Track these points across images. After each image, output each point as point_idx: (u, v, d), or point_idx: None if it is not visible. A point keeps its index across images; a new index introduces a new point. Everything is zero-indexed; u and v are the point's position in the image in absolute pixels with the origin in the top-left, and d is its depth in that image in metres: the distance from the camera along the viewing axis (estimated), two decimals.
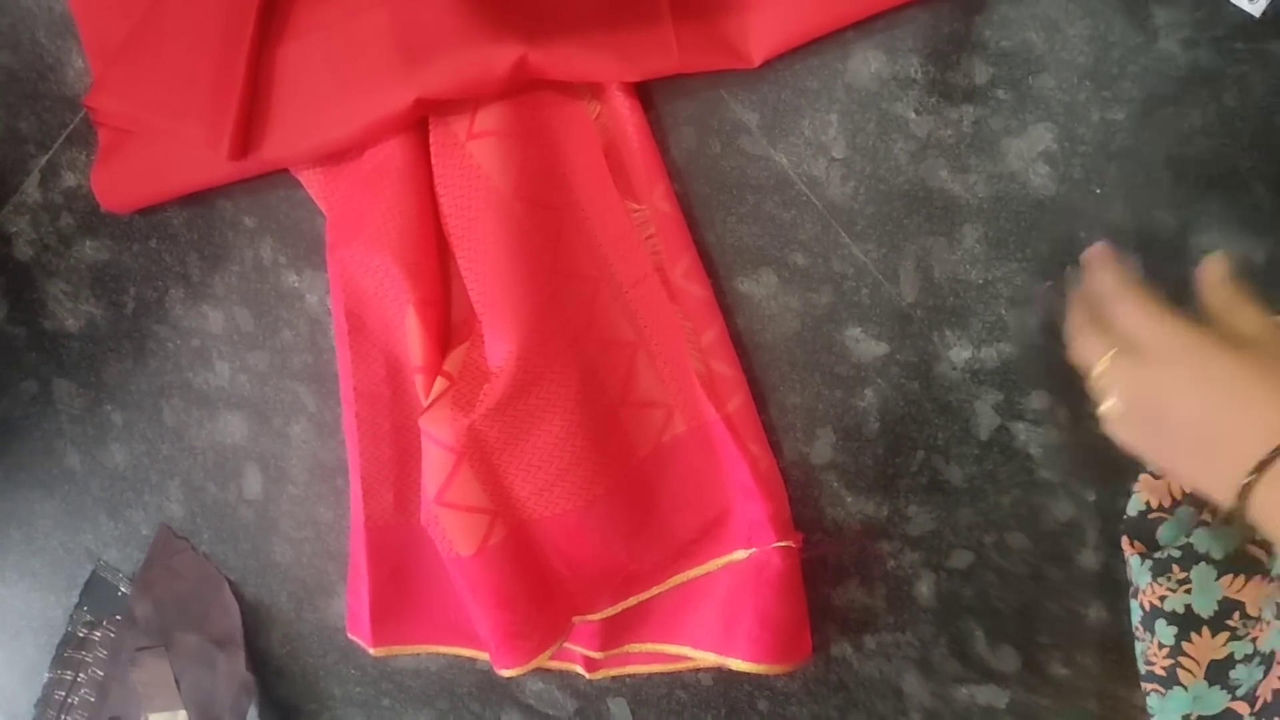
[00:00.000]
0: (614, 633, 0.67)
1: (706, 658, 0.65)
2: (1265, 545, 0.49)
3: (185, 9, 0.62)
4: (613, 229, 0.59)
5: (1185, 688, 0.51)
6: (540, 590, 0.63)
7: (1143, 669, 0.54)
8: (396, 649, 0.71)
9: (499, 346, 0.58)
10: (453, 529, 0.60)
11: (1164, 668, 0.53)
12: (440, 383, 0.60)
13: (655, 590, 0.65)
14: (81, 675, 0.85)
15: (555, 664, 0.69)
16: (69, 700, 0.85)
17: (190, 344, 0.74)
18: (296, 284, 0.70)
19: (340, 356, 0.65)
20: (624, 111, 0.57)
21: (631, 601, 0.65)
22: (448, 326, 0.63)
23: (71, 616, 0.85)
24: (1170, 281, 0.53)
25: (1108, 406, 0.43)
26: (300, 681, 0.80)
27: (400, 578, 0.69)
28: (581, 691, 0.73)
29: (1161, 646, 0.53)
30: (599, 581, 0.64)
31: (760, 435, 0.61)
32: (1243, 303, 0.43)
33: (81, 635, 0.85)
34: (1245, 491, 0.39)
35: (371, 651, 0.70)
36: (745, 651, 0.62)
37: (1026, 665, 0.60)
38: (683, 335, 0.59)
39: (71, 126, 0.71)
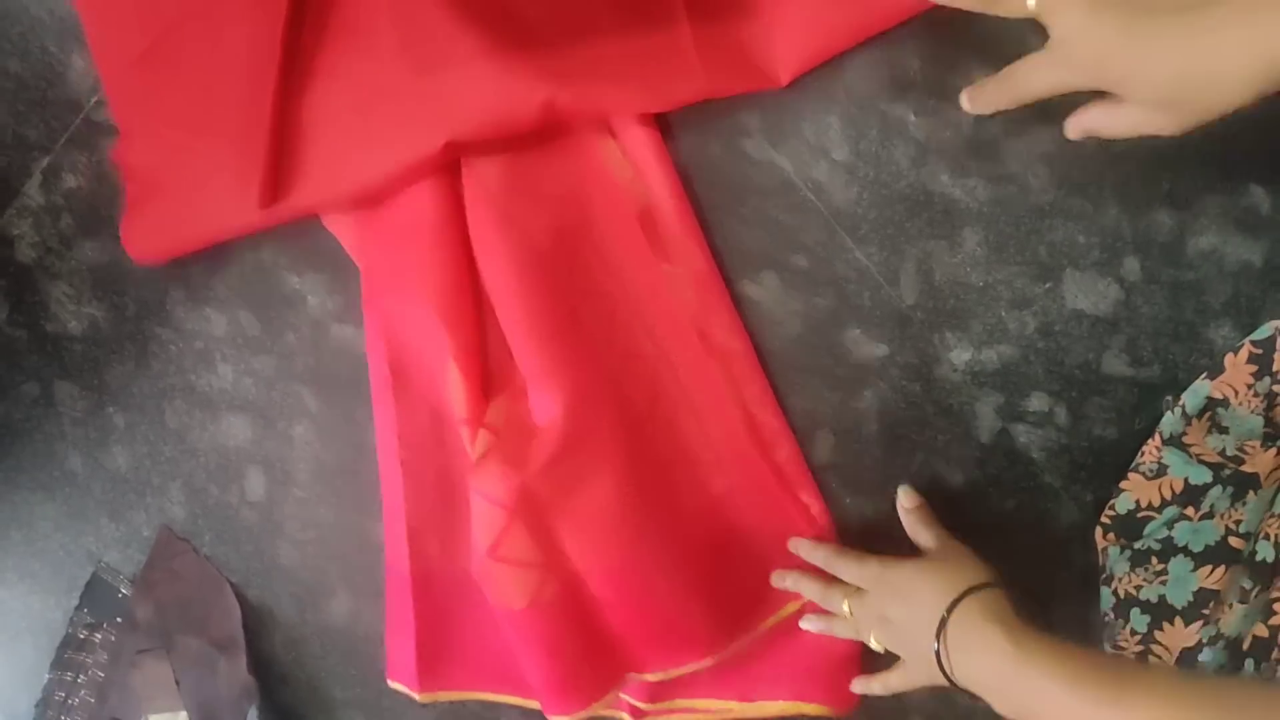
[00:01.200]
0: (664, 688, 0.66)
1: (757, 708, 0.65)
2: (1245, 537, 0.50)
3: (206, 58, 0.61)
4: (646, 289, 0.59)
5: None
6: (593, 644, 0.63)
7: (1109, 651, 0.55)
8: (443, 695, 0.70)
9: (545, 403, 0.58)
10: (505, 583, 0.60)
11: (1134, 653, 0.54)
12: (484, 436, 0.60)
13: (708, 662, 0.63)
14: (81, 677, 0.85)
15: (601, 711, 0.68)
16: (69, 702, 0.85)
17: (193, 346, 0.74)
18: (298, 286, 0.70)
19: (380, 406, 0.66)
20: (658, 176, 0.58)
21: (687, 669, 0.64)
22: (487, 376, 0.62)
23: (72, 618, 0.85)
24: (1168, 284, 0.53)
25: (874, 643, 0.57)
26: (302, 684, 0.80)
27: (447, 622, 0.68)
28: None
29: (1134, 633, 0.54)
30: (650, 641, 0.63)
31: (810, 483, 0.62)
32: (927, 523, 0.58)
33: (82, 637, 0.85)
34: (938, 660, 0.50)
35: (418, 698, 0.69)
36: (793, 693, 0.63)
37: None
38: (725, 391, 0.60)
39: (73, 129, 0.71)
